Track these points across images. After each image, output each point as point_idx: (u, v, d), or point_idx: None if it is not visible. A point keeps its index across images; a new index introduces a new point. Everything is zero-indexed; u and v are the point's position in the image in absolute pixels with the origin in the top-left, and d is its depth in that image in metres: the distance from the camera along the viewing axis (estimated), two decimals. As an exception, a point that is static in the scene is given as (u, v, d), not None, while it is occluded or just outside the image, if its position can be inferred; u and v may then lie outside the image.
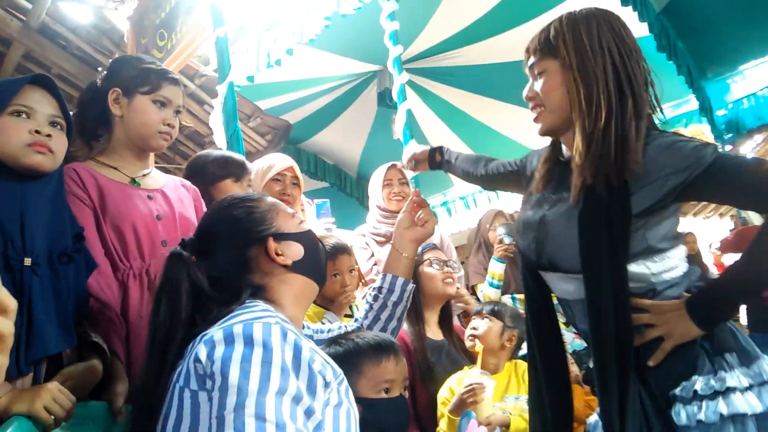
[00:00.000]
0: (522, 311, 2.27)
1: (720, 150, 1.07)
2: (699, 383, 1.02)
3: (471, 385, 1.73)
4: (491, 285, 2.69)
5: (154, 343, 1.02)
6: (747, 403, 0.98)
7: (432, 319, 2.08)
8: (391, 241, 1.48)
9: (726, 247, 4.30)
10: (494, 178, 1.57)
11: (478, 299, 2.70)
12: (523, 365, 1.94)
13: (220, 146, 2.54)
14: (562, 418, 1.22)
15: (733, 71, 4.62)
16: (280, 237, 1.12)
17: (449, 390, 1.87)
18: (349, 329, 1.41)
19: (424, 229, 1.46)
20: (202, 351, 0.89)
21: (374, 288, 1.45)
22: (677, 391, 1.04)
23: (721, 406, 0.98)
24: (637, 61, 1.15)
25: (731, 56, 4.59)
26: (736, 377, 1.02)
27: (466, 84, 4.69)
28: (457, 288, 2.21)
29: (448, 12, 3.86)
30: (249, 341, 0.88)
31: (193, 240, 1.13)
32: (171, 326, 1.02)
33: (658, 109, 1.17)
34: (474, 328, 1.96)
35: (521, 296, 2.56)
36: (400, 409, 1.23)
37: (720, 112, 4.61)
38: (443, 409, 1.84)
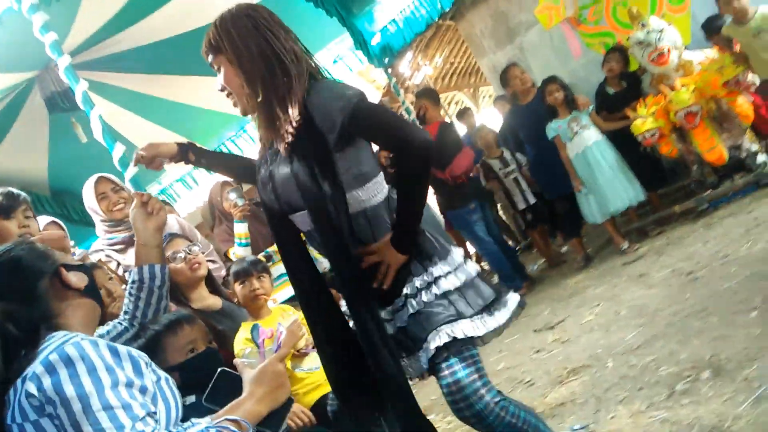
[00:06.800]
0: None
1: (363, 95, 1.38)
2: (417, 281, 1.42)
3: (294, 322, 2.06)
4: (240, 245, 2.86)
5: None
6: (450, 282, 1.41)
7: (203, 294, 2.23)
8: (135, 239, 1.58)
9: None
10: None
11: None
12: (286, 307, 2.35)
13: None
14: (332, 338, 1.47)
15: (372, 2, 5.34)
16: (68, 267, 1.21)
17: (244, 341, 2.09)
18: (122, 324, 1.56)
19: (159, 216, 1.60)
20: (31, 387, 0.99)
21: (134, 281, 1.56)
22: (406, 290, 1.42)
23: (434, 289, 1.40)
24: (285, 40, 1.41)
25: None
26: (439, 269, 1.42)
27: (141, 67, 4.46)
28: (208, 262, 2.34)
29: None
30: (68, 361, 1.00)
31: None
32: None
33: (318, 68, 1.48)
34: (256, 289, 2.20)
35: (273, 248, 2.75)
36: (209, 359, 1.40)
37: (374, 41, 5.35)
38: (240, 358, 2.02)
